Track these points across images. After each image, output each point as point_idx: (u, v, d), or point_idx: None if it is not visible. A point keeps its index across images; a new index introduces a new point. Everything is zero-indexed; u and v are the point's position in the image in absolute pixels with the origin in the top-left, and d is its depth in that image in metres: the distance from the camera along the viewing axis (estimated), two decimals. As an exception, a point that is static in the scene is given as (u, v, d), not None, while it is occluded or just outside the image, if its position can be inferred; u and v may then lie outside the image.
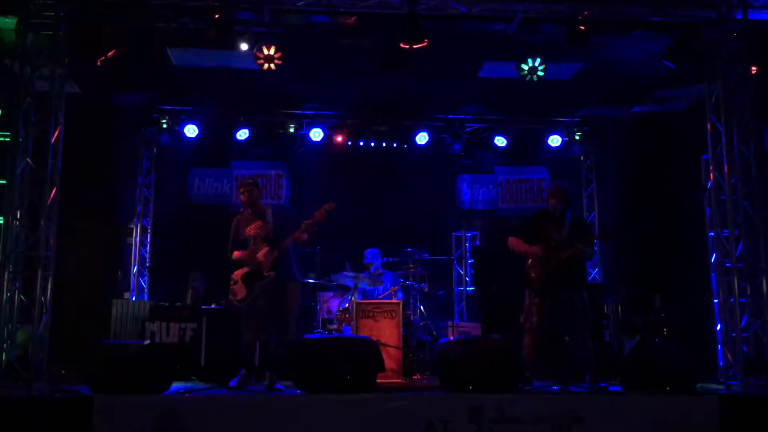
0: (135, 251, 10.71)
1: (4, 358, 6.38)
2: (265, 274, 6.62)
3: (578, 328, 6.57)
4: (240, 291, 6.62)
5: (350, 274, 8.68)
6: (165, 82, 9.79)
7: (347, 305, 8.36)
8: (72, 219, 8.64)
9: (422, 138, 10.92)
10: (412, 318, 8.53)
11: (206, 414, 5.54)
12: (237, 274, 6.68)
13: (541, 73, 8.02)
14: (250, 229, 6.77)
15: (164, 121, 10.58)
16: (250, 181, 7.03)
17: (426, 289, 8.80)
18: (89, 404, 5.43)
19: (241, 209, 6.95)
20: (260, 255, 6.65)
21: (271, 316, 6.67)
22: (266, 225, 6.74)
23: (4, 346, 6.39)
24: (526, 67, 8.01)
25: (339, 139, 10.95)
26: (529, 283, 6.80)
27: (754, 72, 7.36)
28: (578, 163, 11.52)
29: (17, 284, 6.58)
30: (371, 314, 8.05)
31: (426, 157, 11.21)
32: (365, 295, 8.77)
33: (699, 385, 6.43)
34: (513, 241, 6.86)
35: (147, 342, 7.98)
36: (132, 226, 10.74)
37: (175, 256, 10.68)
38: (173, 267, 10.61)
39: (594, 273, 10.73)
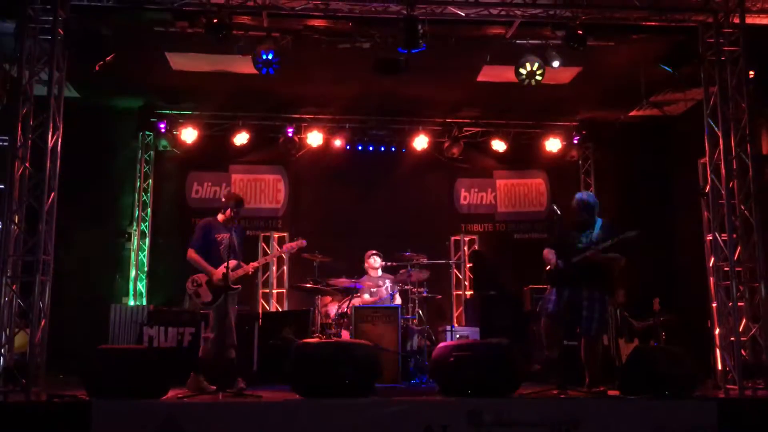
0: (133, 256, 10.71)
1: (2, 362, 6.37)
2: (233, 286, 6.73)
3: (593, 328, 6.54)
4: (205, 295, 6.69)
5: (349, 278, 8.68)
6: (163, 86, 9.81)
7: (346, 310, 8.36)
8: (70, 223, 8.64)
9: (421, 142, 10.93)
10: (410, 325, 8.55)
11: (204, 419, 5.52)
12: (201, 277, 6.72)
13: (539, 77, 8.03)
14: (222, 239, 6.80)
15: (162, 125, 10.59)
16: (242, 199, 7.10)
17: (425, 293, 8.80)
18: (87, 409, 5.41)
19: (220, 216, 6.91)
20: (231, 266, 6.66)
21: (233, 326, 6.82)
22: (232, 239, 6.77)
23: (2, 350, 6.38)
24: (524, 71, 8.02)
25: (337, 143, 10.96)
26: (548, 275, 6.79)
27: (751, 76, 7.37)
28: (576, 167, 11.53)
29: (15, 289, 6.57)
30: (370, 319, 8.06)
31: (424, 161, 11.23)
32: (364, 299, 8.78)
33: (697, 389, 6.42)
34: (546, 252, 6.86)
35: (145, 346, 7.98)
36: (130, 230, 10.74)
37: (174, 261, 10.67)
38: (171, 271, 10.61)
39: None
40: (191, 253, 6.77)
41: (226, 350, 6.64)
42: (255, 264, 7.14)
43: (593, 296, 6.58)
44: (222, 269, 6.62)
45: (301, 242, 7.44)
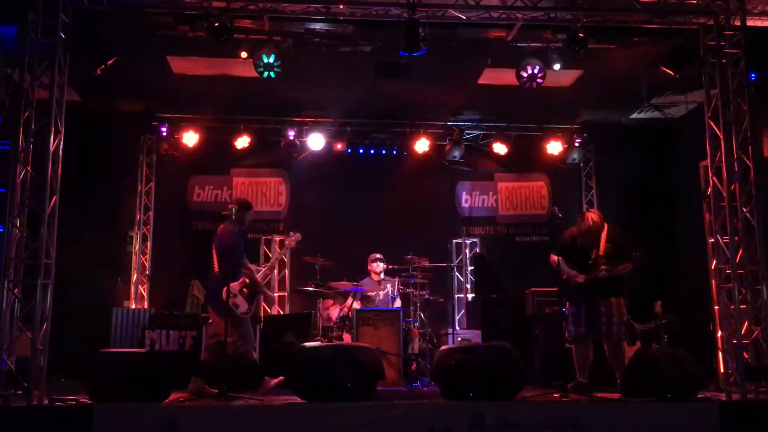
0: (135, 259, 10.71)
1: (4, 366, 6.36)
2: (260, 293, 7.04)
3: (614, 332, 6.66)
4: (242, 304, 6.77)
5: (350, 281, 8.68)
6: (165, 89, 9.81)
7: (347, 313, 8.35)
8: (72, 227, 8.63)
9: (422, 145, 10.93)
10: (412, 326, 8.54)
11: (206, 422, 5.53)
12: (235, 286, 6.71)
13: (540, 80, 8.03)
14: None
15: (164, 128, 10.59)
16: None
17: (426, 297, 8.79)
18: (89, 413, 5.42)
19: (237, 228, 7.04)
20: (260, 276, 7.00)
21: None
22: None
23: (4, 354, 6.37)
24: (525, 74, 8.02)
25: (338, 146, 10.96)
26: (566, 293, 6.90)
27: (752, 78, 7.37)
28: (578, 170, 11.52)
29: (17, 292, 6.56)
30: (371, 322, 8.05)
31: (426, 164, 11.23)
32: (365, 302, 8.77)
33: (699, 392, 6.41)
34: (555, 260, 6.95)
35: (147, 350, 7.98)
36: (132, 233, 10.74)
37: (175, 264, 10.69)
38: (173, 275, 10.61)
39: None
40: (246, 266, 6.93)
41: (250, 353, 6.89)
42: (266, 271, 7.42)
43: (609, 302, 6.71)
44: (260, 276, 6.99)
45: (297, 235, 7.57)
